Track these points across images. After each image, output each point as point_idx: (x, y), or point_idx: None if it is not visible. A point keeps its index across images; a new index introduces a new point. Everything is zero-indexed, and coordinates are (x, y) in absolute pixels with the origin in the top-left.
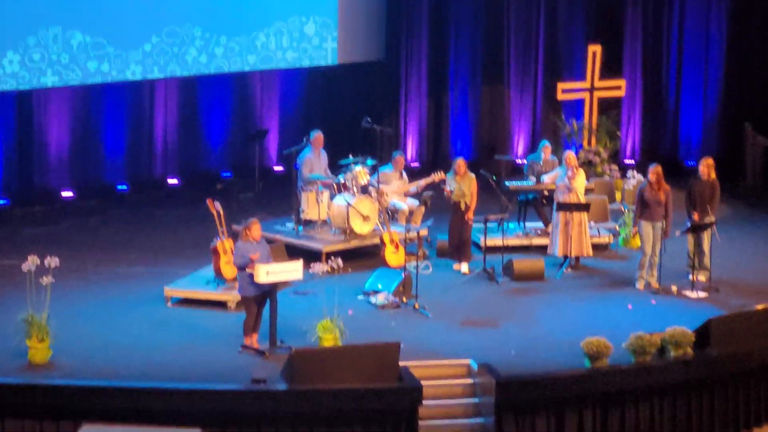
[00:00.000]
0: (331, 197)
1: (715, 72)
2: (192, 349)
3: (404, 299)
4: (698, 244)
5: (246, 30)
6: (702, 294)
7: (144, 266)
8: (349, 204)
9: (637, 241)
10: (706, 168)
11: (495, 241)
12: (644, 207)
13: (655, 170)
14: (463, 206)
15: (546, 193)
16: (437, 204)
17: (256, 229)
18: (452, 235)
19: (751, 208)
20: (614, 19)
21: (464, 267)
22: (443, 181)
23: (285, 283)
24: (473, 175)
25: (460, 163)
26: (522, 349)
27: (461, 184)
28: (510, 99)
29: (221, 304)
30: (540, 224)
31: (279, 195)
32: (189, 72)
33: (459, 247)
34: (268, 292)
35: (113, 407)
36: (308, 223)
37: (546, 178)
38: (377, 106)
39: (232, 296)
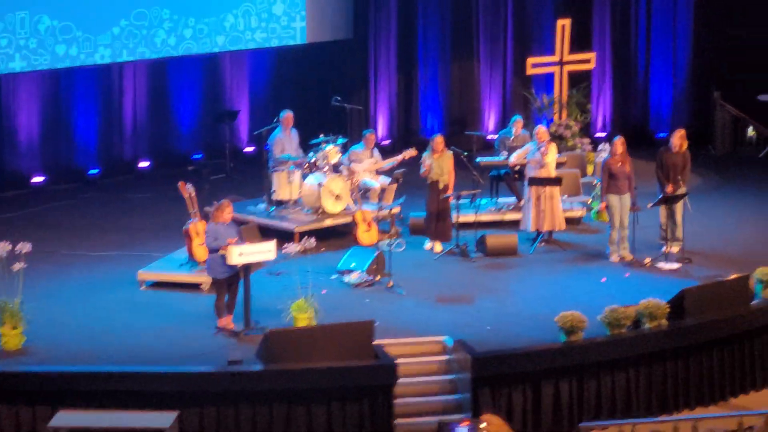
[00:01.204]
0: (303, 177)
1: (683, 42)
2: (167, 331)
3: (378, 277)
4: (671, 216)
5: (214, 11)
6: (675, 265)
7: (117, 250)
8: (320, 183)
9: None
10: (679, 140)
11: (468, 217)
12: (612, 180)
13: (620, 141)
14: (441, 185)
15: (517, 167)
16: (409, 181)
17: (228, 211)
18: (430, 214)
19: (721, 177)
20: None
21: (438, 246)
22: (414, 158)
23: (258, 264)
24: (450, 153)
25: (438, 140)
26: (497, 324)
27: (439, 161)
28: (480, 74)
29: (195, 287)
30: (512, 199)
31: (250, 176)
32: (158, 54)
33: (437, 226)
34: (242, 273)
35: (89, 392)
36: (280, 204)
37: (513, 158)
38: (347, 85)
39: (205, 278)
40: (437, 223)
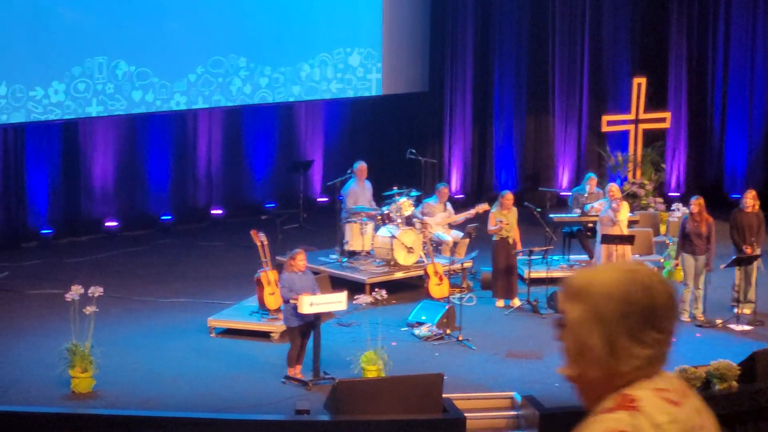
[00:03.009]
0: (375, 229)
1: (760, 104)
2: (235, 379)
3: (448, 331)
4: (744, 277)
5: (291, 61)
6: (747, 327)
7: (187, 297)
8: (393, 235)
9: (681, 274)
10: (751, 200)
11: (539, 273)
12: (686, 239)
13: (697, 202)
14: (511, 240)
15: (590, 225)
16: (481, 236)
17: (301, 259)
18: (499, 270)
19: None
20: (659, 51)
21: (515, 301)
22: (487, 213)
23: (329, 314)
24: (515, 209)
25: (508, 196)
26: (566, 381)
27: (509, 217)
28: (555, 130)
29: (265, 335)
30: (585, 256)
31: (323, 226)
32: (233, 102)
33: (505, 282)
34: (312, 323)
35: None
36: (352, 255)
37: (596, 204)
38: (421, 138)
39: (275, 327)
40: (506, 280)
